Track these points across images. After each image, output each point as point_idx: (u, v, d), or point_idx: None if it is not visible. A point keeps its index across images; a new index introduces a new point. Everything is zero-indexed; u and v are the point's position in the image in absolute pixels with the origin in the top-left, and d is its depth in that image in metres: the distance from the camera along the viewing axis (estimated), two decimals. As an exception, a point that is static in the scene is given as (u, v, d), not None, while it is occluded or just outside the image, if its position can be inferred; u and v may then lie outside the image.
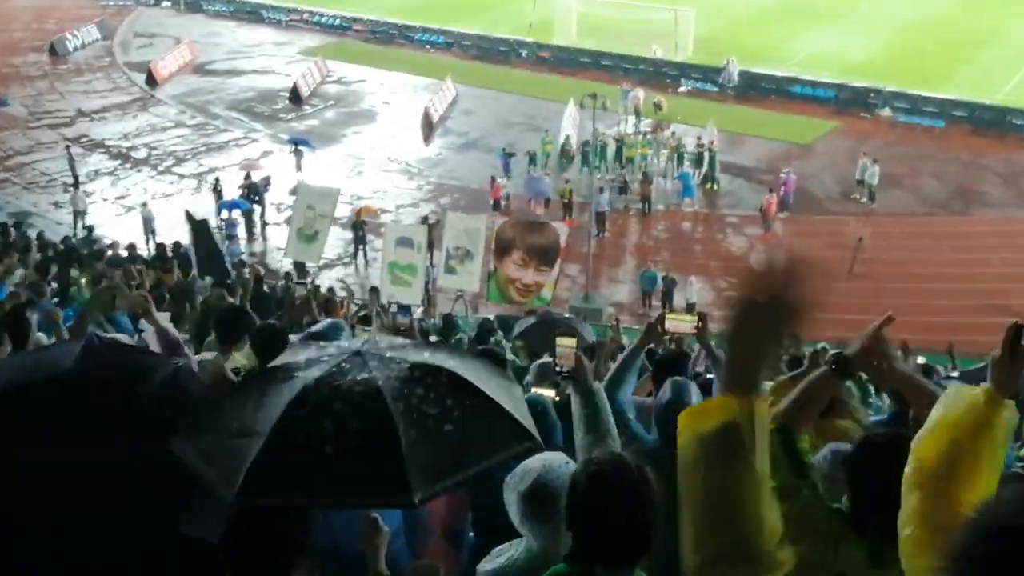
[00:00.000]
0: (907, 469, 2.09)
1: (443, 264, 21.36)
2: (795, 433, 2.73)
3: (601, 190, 27.55)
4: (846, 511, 2.73)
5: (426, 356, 2.42)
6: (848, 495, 2.76)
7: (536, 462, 2.91)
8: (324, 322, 5.33)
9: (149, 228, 26.71)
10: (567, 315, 15.43)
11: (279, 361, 2.46)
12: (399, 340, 2.57)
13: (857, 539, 2.53)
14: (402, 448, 2.16)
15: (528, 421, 2.47)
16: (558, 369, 3.80)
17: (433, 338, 12.36)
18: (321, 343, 2.62)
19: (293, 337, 5.60)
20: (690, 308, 23.37)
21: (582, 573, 2.48)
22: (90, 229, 26.35)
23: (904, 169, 30.77)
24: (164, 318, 5.53)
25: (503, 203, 28.60)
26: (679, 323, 4.43)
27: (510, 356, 10.02)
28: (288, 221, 24.91)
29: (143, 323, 5.89)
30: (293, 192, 28.38)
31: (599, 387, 3.82)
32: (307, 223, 21.35)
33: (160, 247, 21.96)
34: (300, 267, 22.36)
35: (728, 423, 1.76)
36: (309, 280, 20.65)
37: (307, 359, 2.40)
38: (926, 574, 1.94)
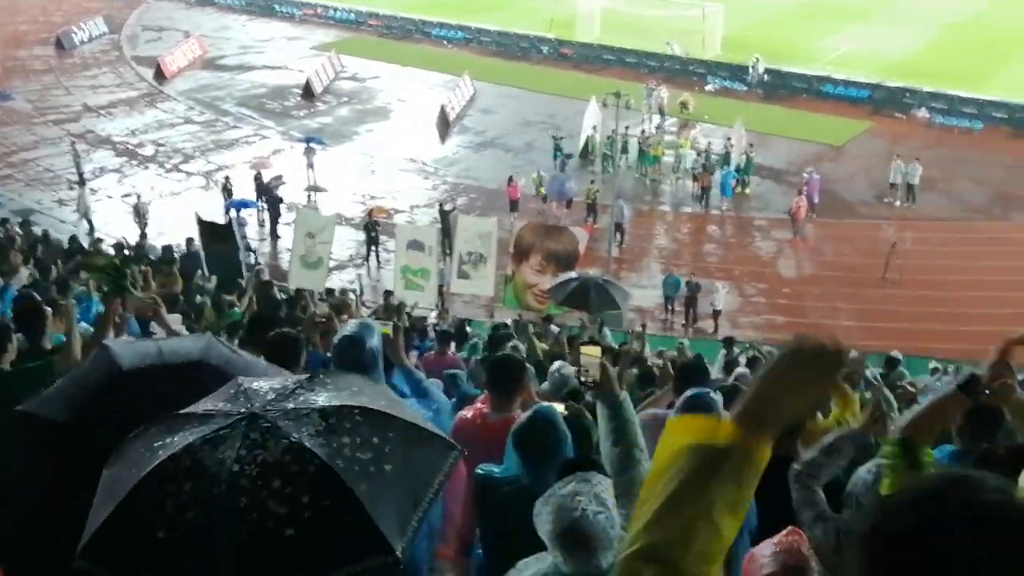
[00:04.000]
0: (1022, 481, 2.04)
1: (456, 269, 20.86)
2: (918, 447, 2.96)
3: (618, 197, 26.61)
4: None
5: (324, 397, 2.23)
6: None
7: (568, 499, 2.92)
8: (353, 323, 4.93)
9: (143, 221, 26.07)
10: (605, 277, 14.85)
11: (167, 451, 2.13)
12: (278, 383, 2.26)
13: None
14: (365, 506, 1.99)
15: (404, 526, 2.13)
16: (582, 380, 3.76)
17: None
18: (244, 385, 2.27)
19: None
20: (716, 315, 22.79)
21: None
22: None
23: (940, 173, 29.82)
24: (175, 320, 5.65)
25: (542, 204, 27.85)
26: (589, 357, 3.80)
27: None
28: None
29: (154, 326, 5.84)
30: (309, 192, 27.61)
31: (626, 397, 3.73)
32: (308, 250, 20.69)
33: (167, 248, 21.19)
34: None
35: (725, 450, 1.75)
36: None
37: (206, 411, 2.16)
38: None
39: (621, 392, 3.74)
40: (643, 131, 31.76)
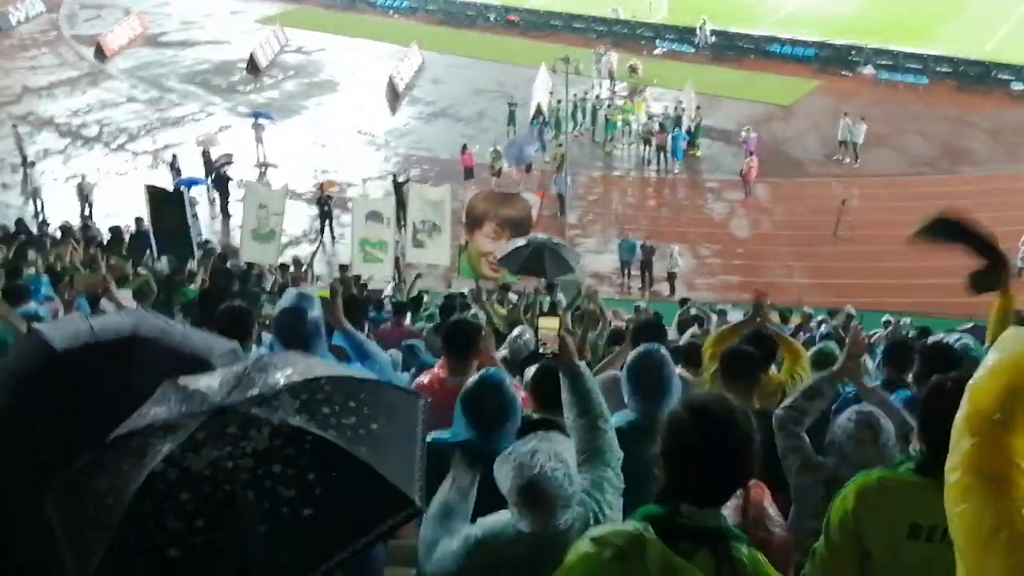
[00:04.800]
0: (959, 415, 2.06)
1: (411, 239, 20.72)
2: None
3: (559, 168, 26.35)
4: (917, 459, 2.99)
5: (284, 376, 2.15)
6: (921, 443, 3.02)
7: (528, 456, 2.95)
8: (291, 294, 4.77)
9: (87, 201, 25.70)
10: (555, 240, 14.89)
11: (136, 419, 2.13)
12: (223, 375, 2.18)
13: (935, 484, 2.51)
14: (247, 551, 1.89)
15: (411, 477, 2.13)
16: (541, 351, 3.79)
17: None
18: (190, 387, 2.19)
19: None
20: (671, 278, 22.79)
21: (671, 513, 2.46)
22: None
23: (888, 128, 30.12)
24: (126, 297, 5.58)
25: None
26: (547, 329, 3.89)
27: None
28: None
29: (104, 304, 5.70)
30: (259, 168, 27.23)
31: (585, 368, 3.68)
32: (260, 223, 20.34)
33: (115, 230, 20.83)
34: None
35: None
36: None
37: (165, 422, 2.08)
38: (971, 522, 1.89)
39: (580, 363, 3.72)
40: (597, 96, 31.73)
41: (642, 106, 30.53)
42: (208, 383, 2.18)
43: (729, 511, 2.87)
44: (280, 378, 2.17)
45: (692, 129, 29.31)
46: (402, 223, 21.95)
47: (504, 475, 3.02)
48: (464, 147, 27.66)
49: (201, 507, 1.93)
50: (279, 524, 1.94)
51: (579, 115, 30.32)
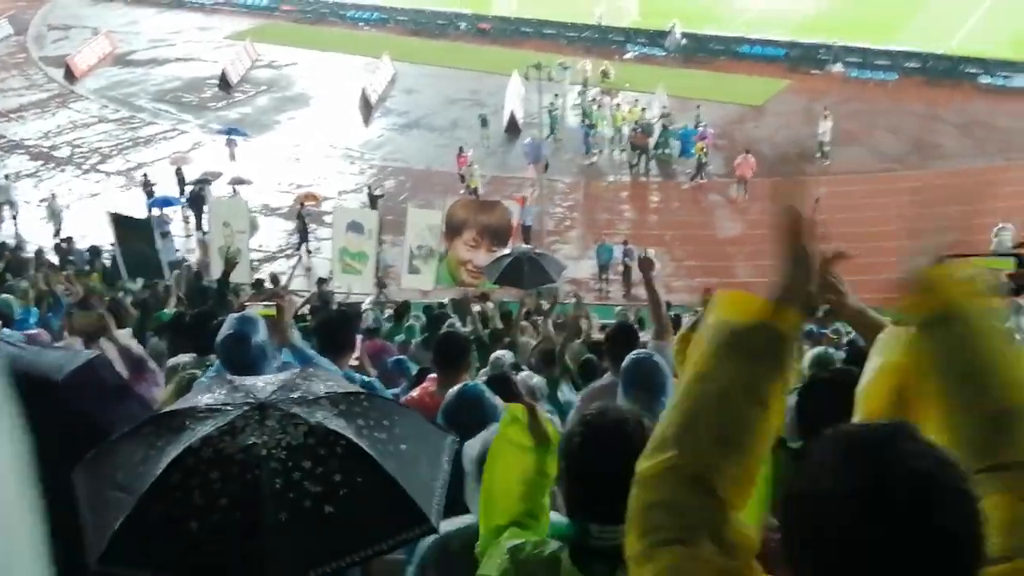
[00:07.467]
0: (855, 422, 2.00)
1: (407, 264, 20.60)
2: None
3: (525, 200, 25.41)
4: (798, 450, 2.83)
5: (325, 387, 2.27)
6: (801, 437, 2.97)
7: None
8: (232, 319, 4.63)
9: (58, 222, 25.56)
10: (538, 251, 14.92)
11: (182, 403, 2.27)
12: (318, 388, 2.29)
13: None
14: (264, 535, 1.98)
15: (431, 499, 2.23)
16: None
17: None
18: (237, 382, 2.32)
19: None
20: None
21: (581, 533, 2.36)
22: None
23: (858, 125, 30.28)
24: (125, 335, 5.37)
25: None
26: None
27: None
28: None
29: (103, 342, 5.50)
30: (233, 185, 27.17)
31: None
32: (226, 240, 20.15)
33: (93, 249, 20.71)
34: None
35: (776, 330, 1.77)
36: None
37: (208, 406, 2.19)
38: None
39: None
40: (581, 98, 31.74)
41: (635, 112, 30.35)
42: (255, 382, 2.30)
43: None
44: (322, 387, 2.29)
45: (701, 127, 29.12)
46: (381, 237, 21.83)
47: (472, 477, 3.02)
48: (460, 150, 27.92)
49: (228, 487, 2.03)
50: (300, 515, 2.03)
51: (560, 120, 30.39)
